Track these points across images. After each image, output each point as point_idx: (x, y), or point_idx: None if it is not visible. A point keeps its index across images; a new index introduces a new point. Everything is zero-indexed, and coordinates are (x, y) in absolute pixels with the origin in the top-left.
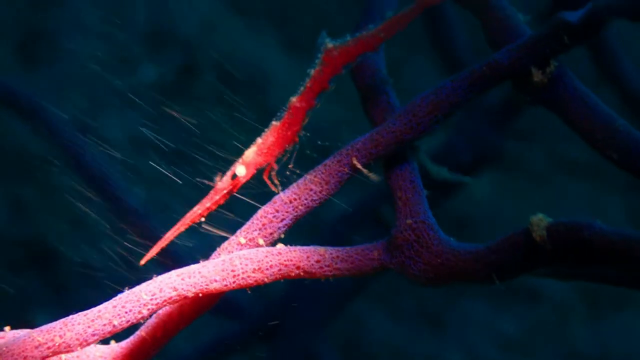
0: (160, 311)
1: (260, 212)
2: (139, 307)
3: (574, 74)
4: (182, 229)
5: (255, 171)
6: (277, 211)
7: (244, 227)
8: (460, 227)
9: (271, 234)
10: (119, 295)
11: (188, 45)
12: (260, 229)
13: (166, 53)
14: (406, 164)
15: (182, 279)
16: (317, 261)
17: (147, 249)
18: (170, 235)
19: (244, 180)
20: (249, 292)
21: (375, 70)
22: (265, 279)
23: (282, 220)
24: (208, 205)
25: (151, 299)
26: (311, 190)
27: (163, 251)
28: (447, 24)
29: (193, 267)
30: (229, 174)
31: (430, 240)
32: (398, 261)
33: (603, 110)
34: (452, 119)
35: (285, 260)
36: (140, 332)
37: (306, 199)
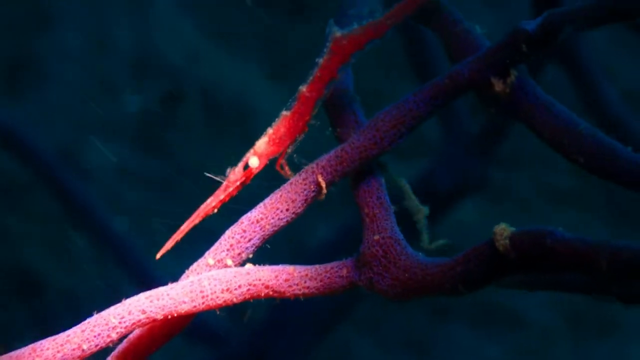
0: (130, 335)
1: (227, 233)
2: (108, 330)
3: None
4: (197, 221)
5: (267, 162)
6: (245, 231)
7: (212, 248)
8: (446, 255)
9: (239, 254)
10: (88, 320)
11: (172, 73)
12: (228, 250)
13: (151, 81)
14: (373, 180)
15: (151, 301)
16: (286, 280)
17: (131, 277)
18: (184, 228)
19: (256, 171)
20: (218, 312)
21: (342, 89)
22: (235, 299)
23: (249, 240)
24: (221, 197)
25: (120, 322)
26: (278, 209)
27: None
28: (426, 45)
29: (162, 289)
30: (241, 165)
31: (397, 255)
32: (366, 278)
33: (566, 115)
34: (434, 146)
35: (253, 280)
36: (112, 357)
37: (273, 218)
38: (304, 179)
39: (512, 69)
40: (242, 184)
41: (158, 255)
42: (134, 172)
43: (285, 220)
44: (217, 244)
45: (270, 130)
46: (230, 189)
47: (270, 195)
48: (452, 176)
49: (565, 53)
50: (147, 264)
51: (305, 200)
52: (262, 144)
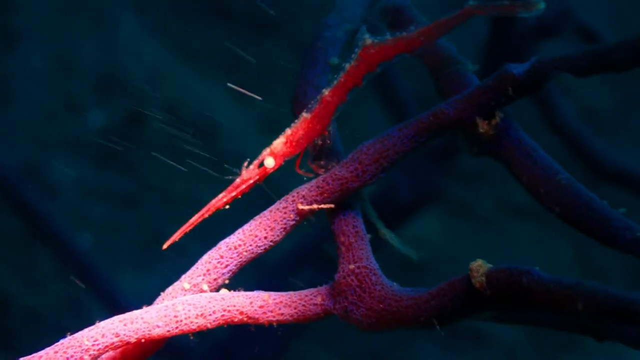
0: (103, 356)
1: (204, 258)
2: (81, 352)
3: (519, 122)
4: (207, 215)
5: (282, 162)
6: (222, 257)
7: (188, 273)
8: (407, 268)
9: (215, 279)
10: (61, 341)
11: (137, 91)
12: (204, 275)
13: (115, 99)
14: (349, 209)
15: (125, 325)
16: (261, 307)
17: (95, 294)
18: (194, 221)
19: (270, 171)
20: (192, 337)
21: None
22: (209, 325)
23: (226, 266)
24: (234, 193)
25: (93, 345)
26: (256, 236)
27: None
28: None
29: (136, 313)
30: (255, 163)
31: (372, 285)
32: (341, 307)
33: (547, 163)
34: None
35: (228, 306)
36: None
37: (251, 246)
38: (283, 208)
39: (498, 111)
40: (255, 182)
41: (165, 246)
42: (98, 189)
43: (263, 247)
44: (193, 268)
45: (288, 131)
46: (243, 187)
47: (250, 222)
48: (412, 187)
49: None
50: (111, 280)
51: (284, 228)
52: (279, 144)
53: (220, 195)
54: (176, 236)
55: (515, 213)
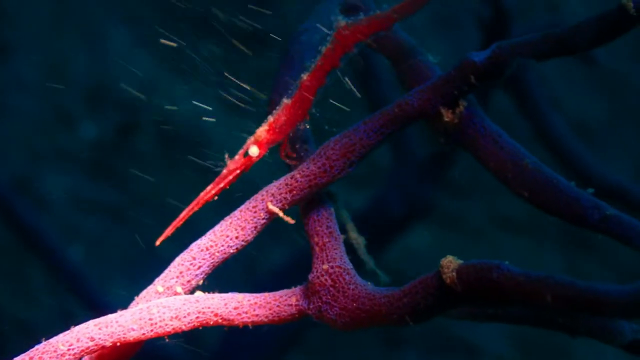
0: None
1: (177, 260)
2: (56, 357)
3: (488, 115)
4: (196, 208)
5: (267, 150)
6: (194, 259)
7: (161, 276)
8: (397, 283)
9: (189, 281)
10: (36, 347)
11: (128, 103)
12: (177, 277)
13: (106, 112)
14: (323, 209)
15: (100, 329)
16: (235, 308)
17: (86, 306)
18: (184, 215)
19: (255, 159)
20: (167, 339)
21: None
22: (184, 327)
23: (199, 267)
24: (221, 185)
25: (68, 349)
26: (227, 236)
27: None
28: (377, 76)
29: (110, 317)
30: (241, 152)
31: (346, 284)
32: (315, 306)
33: (513, 148)
34: (384, 172)
35: (202, 308)
36: None
37: (223, 246)
38: (253, 207)
39: (461, 100)
40: (241, 171)
41: (158, 242)
42: (89, 201)
43: (234, 247)
44: (166, 272)
45: (270, 119)
46: (230, 177)
47: (220, 223)
48: (403, 201)
49: (513, 83)
50: (102, 292)
51: (255, 227)
52: (262, 132)
53: (208, 188)
54: (168, 232)
55: (506, 226)
